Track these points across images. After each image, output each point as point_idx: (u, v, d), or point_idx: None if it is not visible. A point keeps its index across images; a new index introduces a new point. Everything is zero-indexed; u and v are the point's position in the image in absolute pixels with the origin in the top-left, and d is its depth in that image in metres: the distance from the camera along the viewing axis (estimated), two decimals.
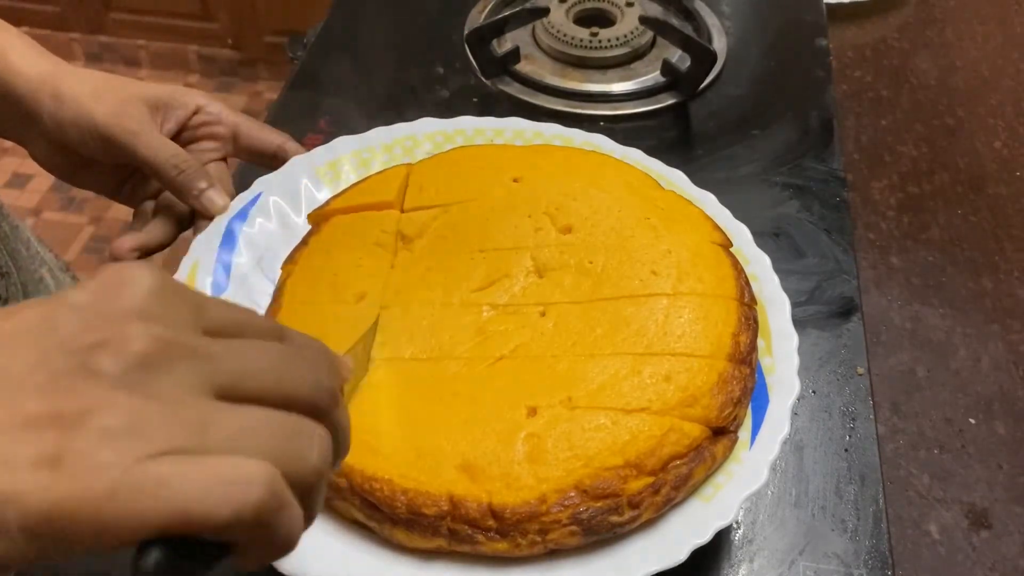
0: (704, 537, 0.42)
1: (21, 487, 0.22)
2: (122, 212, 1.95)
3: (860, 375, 0.59)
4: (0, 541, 0.22)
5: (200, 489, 0.23)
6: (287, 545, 0.26)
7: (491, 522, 0.41)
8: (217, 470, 0.24)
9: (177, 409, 0.24)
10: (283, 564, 0.40)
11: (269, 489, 0.24)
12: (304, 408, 0.27)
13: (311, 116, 0.77)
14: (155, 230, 0.59)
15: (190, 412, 0.25)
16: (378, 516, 0.42)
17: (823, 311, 0.63)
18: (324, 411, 0.28)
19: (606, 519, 0.42)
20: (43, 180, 2.05)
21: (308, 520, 0.27)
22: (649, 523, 0.43)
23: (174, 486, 0.23)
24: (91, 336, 0.24)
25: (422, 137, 0.63)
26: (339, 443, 0.29)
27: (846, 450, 0.55)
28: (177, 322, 0.26)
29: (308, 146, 0.63)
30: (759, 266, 0.54)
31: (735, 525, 0.52)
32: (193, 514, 0.23)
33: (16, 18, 2.30)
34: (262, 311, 0.52)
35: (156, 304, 0.26)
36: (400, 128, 0.63)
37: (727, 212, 0.58)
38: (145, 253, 0.58)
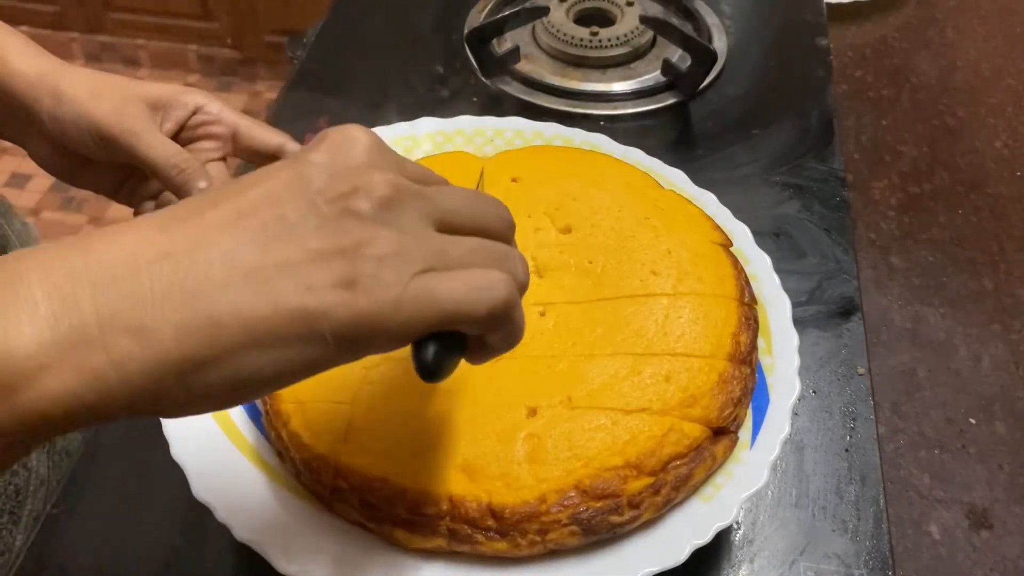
0: (704, 537, 0.42)
1: (329, 304, 0.28)
2: (121, 212, 1.94)
3: (860, 375, 0.59)
4: (318, 348, 0.28)
5: (462, 293, 0.30)
6: (520, 335, 0.33)
7: (491, 522, 0.41)
8: (470, 280, 0.30)
9: (421, 238, 0.30)
10: (284, 565, 0.40)
11: (509, 290, 0.31)
12: (498, 236, 0.33)
13: (311, 116, 0.77)
14: None
15: (431, 240, 0.31)
16: (377, 516, 0.42)
17: (823, 311, 0.63)
18: (511, 239, 0.35)
19: (606, 519, 0.42)
20: (42, 180, 2.05)
21: (521, 332, 0.33)
22: (649, 523, 0.43)
23: (442, 294, 0.29)
24: (343, 185, 0.30)
25: (422, 137, 0.62)
26: (524, 265, 0.35)
27: (847, 450, 0.55)
28: (399, 170, 0.31)
29: None
30: (759, 266, 0.54)
31: (735, 525, 0.51)
32: (459, 313, 0.30)
33: (16, 18, 2.29)
34: None
35: (379, 157, 0.31)
36: (399, 128, 0.63)
37: (727, 212, 0.57)
38: None
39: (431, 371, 0.31)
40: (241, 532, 0.41)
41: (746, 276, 0.52)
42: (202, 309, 0.27)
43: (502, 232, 0.34)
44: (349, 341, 0.29)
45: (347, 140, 0.31)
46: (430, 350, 0.31)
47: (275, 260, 0.28)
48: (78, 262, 0.28)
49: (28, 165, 1.91)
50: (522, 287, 0.33)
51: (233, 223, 0.29)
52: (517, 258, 0.33)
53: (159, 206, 0.60)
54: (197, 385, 0.28)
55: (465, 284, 0.30)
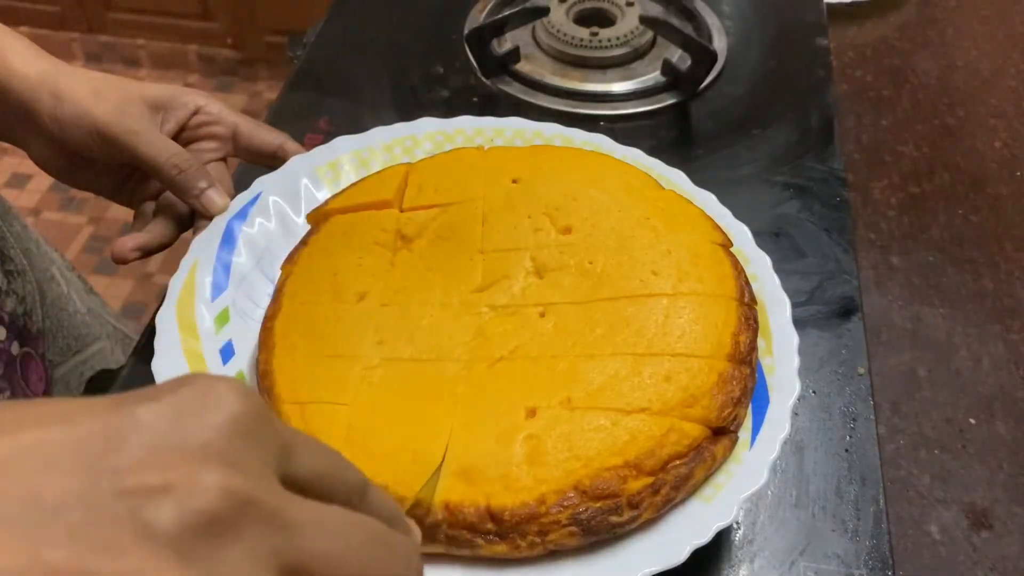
0: (704, 537, 0.42)
1: None
2: (121, 212, 1.94)
3: (861, 375, 0.59)
4: None
5: None
6: None
7: (489, 525, 0.41)
8: None
9: None
10: None
11: None
12: None
13: (311, 116, 0.77)
14: (156, 230, 0.59)
15: None
16: None
17: (823, 311, 0.63)
18: None
19: (606, 519, 0.42)
20: (42, 180, 2.05)
21: None
22: (649, 523, 0.43)
23: None
24: (154, 474, 0.19)
25: (422, 137, 0.62)
26: None
27: (847, 450, 0.55)
28: (259, 468, 0.21)
29: (308, 146, 0.63)
30: (759, 266, 0.54)
31: (735, 525, 0.51)
32: None
33: (16, 18, 2.29)
34: (262, 311, 0.52)
35: (240, 440, 0.21)
36: (400, 128, 0.63)
37: (727, 212, 0.57)
38: (147, 253, 0.58)
39: None
40: None
41: (746, 276, 0.52)
42: None
43: None
44: None
45: (205, 401, 0.21)
46: None
47: None
48: None
49: (28, 165, 1.91)
50: None
51: None
52: None
53: (159, 206, 0.60)
54: None
55: None
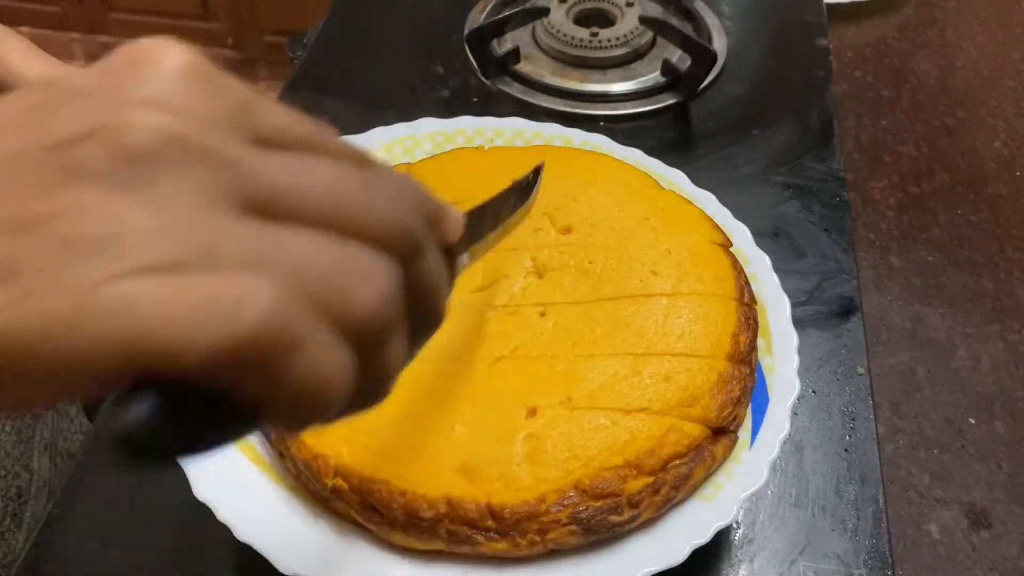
0: (704, 537, 0.42)
1: None
2: None
3: (860, 375, 0.59)
4: None
5: (175, 311, 0.18)
6: (312, 399, 0.20)
7: (490, 522, 0.41)
8: (204, 289, 0.18)
9: (177, 219, 0.19)
10: (284, 565, 0.40)
11: (271, 313, 0.18)
12: (376, 239, 0.21)
13: (311, 116, 0.77)
14: None
15: (196, 224, 0.19)
16: (376, 518, 0.42)
17: (823, 311, 0.63)
18: (402, 254, 0.22)
19: (606, 519, 0.42)
20: None
21: (373, 381, 0.22)
22: (649, 523, 0.43)
23: (143, 308, 0.18)
24: (88, 120, 0.19)
25: (422, 137, 0.63)
26: (423, 304, 0.23)
27: (846, 450, 0.55)
28: (206, 118, 0.20)
29: None
30: (759, 266, 0.54)
31: (735, 525, 0.52)
32: (161, 344, 0.18)
33: (16, 18, 2.29)
34: None
35: (181, 92, 0.20)
36: (400, 128, 0.63)
37: (727, 212, 0.58)
38: None
39: (135, 442, 0.18)
40: (242, 532, 0.42)
41: (746, 276, 0.52)
42: None
43: (382, 238, 0.21)
44: None
45: (142, 57, 0.20)
46: (135, 409, 0.18)
47: None
48: None
49: None
50: (360, 315, 0.20)
51: None
52: (375, 273, 0.21)
53: None
54: None
55: (192, 296, 0.18)
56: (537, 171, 0.45)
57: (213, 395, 0.19)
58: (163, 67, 0.20)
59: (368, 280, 0.21)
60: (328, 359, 0.20)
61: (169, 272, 0.18)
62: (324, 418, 0.21)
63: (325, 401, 0.20)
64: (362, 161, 0.23)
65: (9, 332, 0.17)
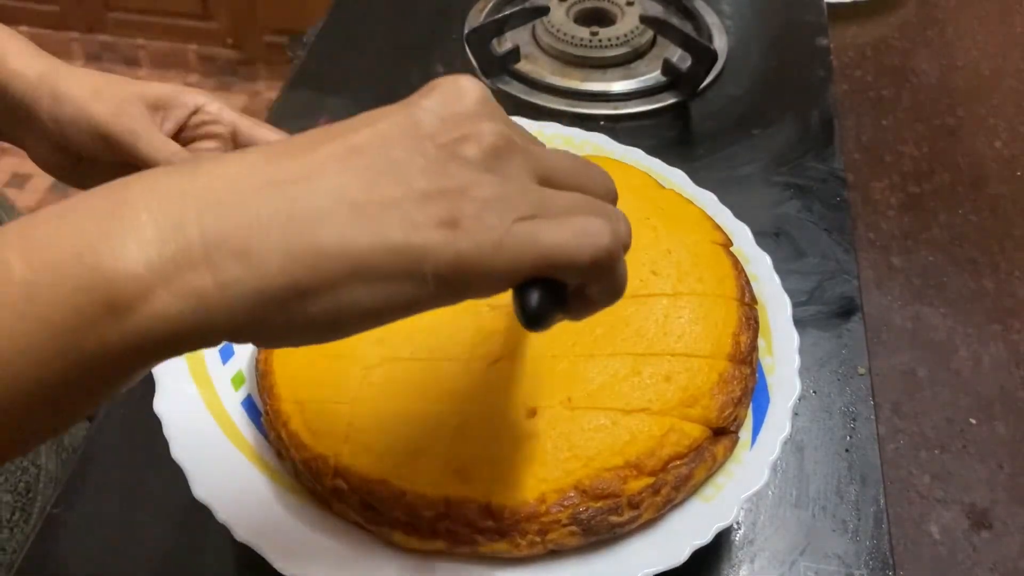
0: (705, 538, 0.42)
1: (432, 243, 0.28)
2: None
3: (861, 375, 0.59)
4: (417, 286, 0.28)
5: (565, 238, 0.30)
6: (622, 289, 0.33)
7: (489, 523, 0.41)
8: (572, 225, 0.30)
9: (525, 187, 0.30)
10: (283, 565, 0.40)
11: (613, 238, 0.31)
12: (599, 198, 0.33)
13: (310, 116, 0.77)
14: None
15: (534, 190, 0.31)
16: (376, 518, 0.42)
17: (824, 311, 0.63)
18: (613, 204, 0.34)
19: (606, 519, 0.42)
20: (42, 180, 2.05)
21: (623, 285, 0.33)
22: (649, 523, 0.43)
23: (545, 238, 0.29)
24: (453, 132, 0.30)
25: None
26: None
27: (847, 450, 0.55)
28: (506, 119, 0.32)
29: None
30: (760, 266, 0.54)
31: (735, 525, 0.51)
32: (561, 257, 0.29)
33: (16, 18, 2.29)
34: None
35: (489, 106, 0.32)
36: None
37: (728, 212, 0.57)
38: None
39: (534, 317, 0.30)
40: (241, 532, 0.41)
41: (746, 276, 0.52)
42: (308, 238, 0.28)
43: (604, 196, 0.34)
44: (448, 281, 0.29)
45: (458, 89, 0.32)
46: (534, 296, 0.30)
47: (381, 197, 0.28)
48: (184, 185, 0.28)
49: (28, 165, 1.91)
50: (625, 244, 0.32)
51: (342, 159, 0.29)
52: (620, 217, 0.33)
53: None
54: (297, 314, 0.28)
55: (568, 230, 0.30)
56: None
57: (561, 285, 0.31)
58: (474, 94, 0.32)
59: (619, 218, 0.33)
60: (624, 265, 0.33)
61: (538, 217, 0.30)
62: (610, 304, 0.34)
63: (622, 291, 0.33)
64: (574, 155, 0.36)
65: (469, 252, 0.28)
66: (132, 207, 0.28)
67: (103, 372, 0.28)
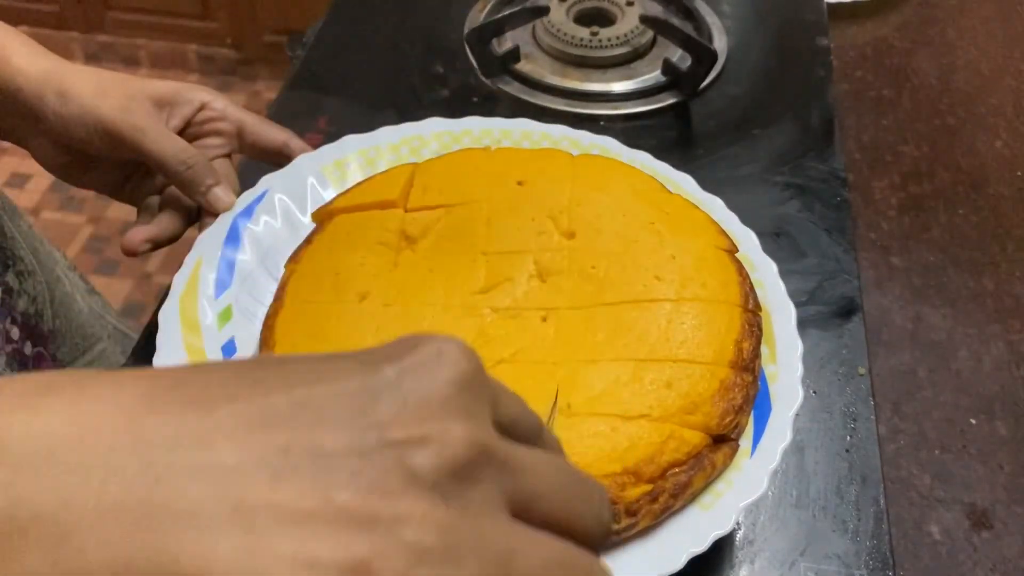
0: (702, 546, 0.42)
1: None
2: (121, 212, 1.94)
3: (861, 375, 0.59)
4: None
5: None
6: None
7: None
8: None
9: (486, 531, 0.21)
10: None
11: None
12: (585, 540, 0.24)
13: (310, 115, 0.77)
14: (164, 223, 0.59)
15: (497, 536, 0.21)
16: None
17: (824, 311, 0.63)
18: (597, 548, 0.25)
19: None
20: (42, 180, 2.05)
21: None
22: (647, 531, 0.43)
23: None
24: (413, 428, 0.21)
25: (429, 137, 0.62)
26: None
27: (847, 450, 0.55)
28: (484, 417, 0.23)
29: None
30: (765, 272, 0.54)
31: (735, 526, 0.51)
32: None
33: (16, 18, 2.29)
34: (265, 309, 0.52)
35: (469, 393, 0.23)
36: (407, 128, 0.63)
37: (734, 217, 0.57)
38: (157, 245, 0.59)
39: None
40: None
41: (751, 282, 0.52)
42: (158, 544, 0.19)
43: (591, 536, 0.25)
44: None
45: (440, 361, 0.23)
46: None
47: (282, 502, 0.20)
48: (9, 426, 0.20)
49: (28, 165, 1.91)
50: None
51: (250, 429, 0.21)
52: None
53: (165, 200, 0.60)
54: None
55: None
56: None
57: None
58: (456, 370, 0.23)
59: None
60: None
61: None
62: None
63: None
64: (571, 470, 0.25)
65: None
66: None
67: None
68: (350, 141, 0.61)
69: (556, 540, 0.23)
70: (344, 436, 0.21)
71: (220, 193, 0.57)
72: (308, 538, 0.19)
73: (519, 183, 0.56)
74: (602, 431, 0.44)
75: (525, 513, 0.23)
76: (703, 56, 0.79)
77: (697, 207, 0.56)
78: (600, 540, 0.25)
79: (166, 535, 0.19)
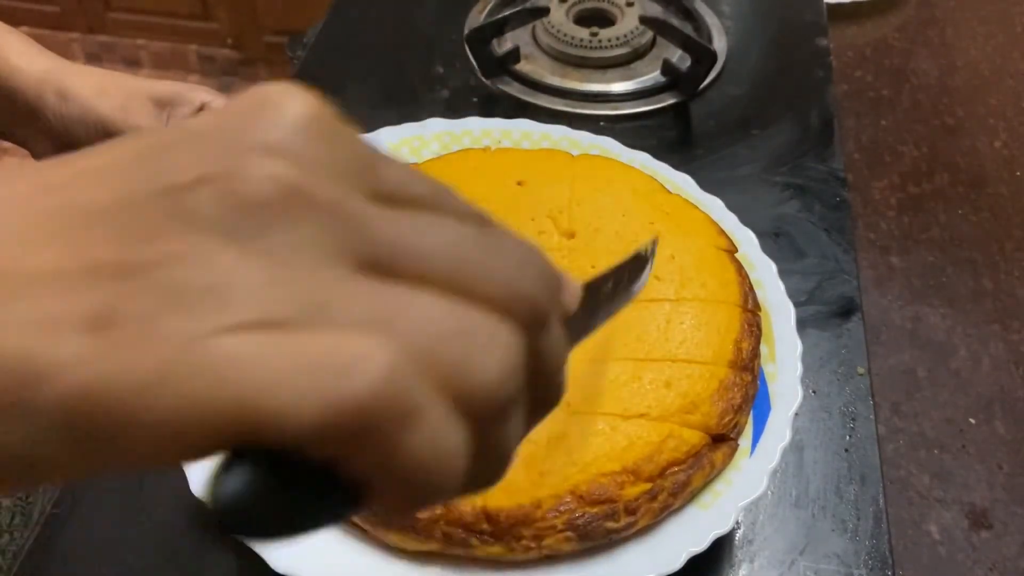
0: (701, 545, 0.42)
1: (61, 356, 0.16)
2: None
3: (860, 375, 0.59)
4: (29, 427, 0.16)
5: (279, 372, 0.16)
6: (425, 478, 0.18)
7: (485, 525, 0.41)
8: (312, 349, 0.17)
9: (289, 273, 0.17)
10: (280, 565, 0.40)
11: (385, 379, 0.17)
12: (497, 306, 0.19)
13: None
14: None
15: (307, 280, 0.17)
16: (372, 519, 0.42)
17: (823, 311, 0.63)
18: (526, 324, 0.20)
19: (602, 525, 0.41)
20: None
21: (488, 462, 0.20)
22: (646, 530, 0.43)
23: (244, 367, 0.16)
24: (206, 166, 0.18)
25: (430, 137, 0.62)
26: (544, 380, 0.22)
27: (846, 450, 0.55)
28: (327, 169, 0.19)
29: None
30: (764, 272, 0.54)
31: (735, 525, 0.51)
32: (262, 408, 0.16)
33: (16, 18, 2.29)
34: None
35: (302, 140, 0.19)
36: (408, 128, 0.63)
37: (734, 217, 0.57)
38: None
39: (228, 514, 0.17)
40: None
41: (750, 282, 0.52)
42: None
43: (505, 305, 0.19)
44: (76, 425, 0.16)
45: (264, 103, 0.19)
46: (231, 480, 0.17)
47: (32, 267, 0.17)
48: None
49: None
50: (480, 387, 0.18)
51: (29, 197, 0.18)
52: (499, 342, 0.19)
53: None
54: None
55: (299, 357, 0.16)
56: (653, 243, 0.43)
57: (316, 469, 0.17)
58: (285, 114, 0.19)
59: (491, 349, 0.19)
60: (445, 434, 0.18)
61: (275, 329, 0.17)
62: (433, 500, 0.19)
63: (439, 482, 0.18)
64: (484, 223, 0.21)
65: (96, 387, 0.16)
66: None
67: None
68: None
69: (419, 293, 0.18)
70: (121, 189, 0.18)
71: None
72: (48, 296, 0.17)
73: (519, 183, 0.57)
74: (601, 430, 0.44)
75: (385, 268, 0.18)
76: (703, 56, 0.79)
77: (697, 207, 0.56)
78: (524, 313, 0.20)
79: None
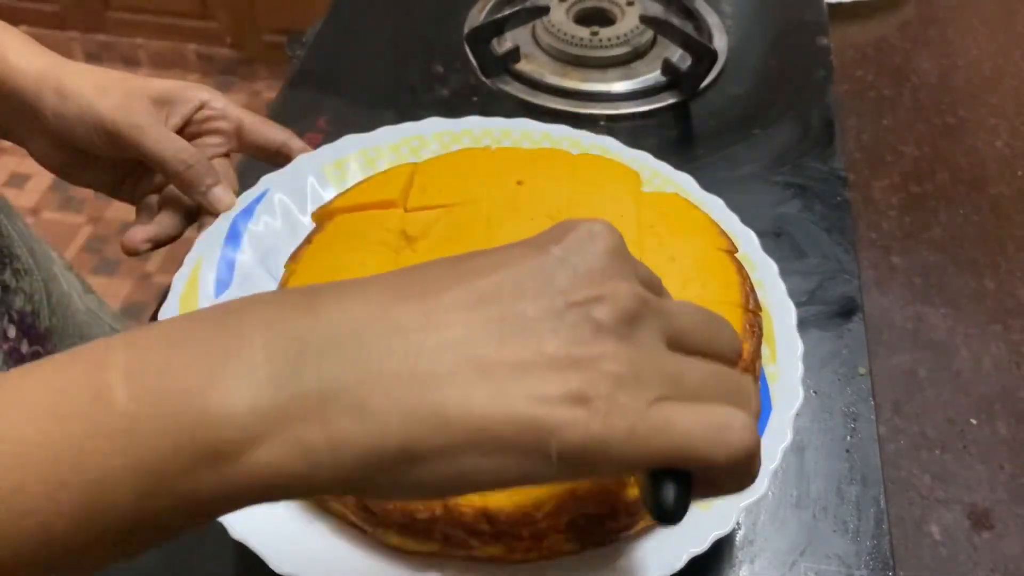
0: (702, 546, 0.42)
1: (560, 421, 0.26)
2: (120, 212, 1.94)
3: (861, 375, 0.59)
4: (538, 463, 0.26)
5: (701, 434, 0.27)
6: (752, 484, 0.29)
7: (485, 526, 0.41)
8: (709, 418, 0.27)
9: (657, 359, 0.28)
10: (280, 566, 0.40)
11: (754, 436, 0.28)
12: (723, 362, 0.31)
13: (310, 115, 0.77)
14: (164, 222, 0.59)
15: (667, 362, 0.28)
16: (372, 519, 0.42)
17: (824, 311, 0.63)
18: (735, 365, 0.32)
19: (602, 526, 0.41)
20: (41, 180, 2.05)
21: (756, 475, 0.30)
22: (647, 531, 0.43)
23: (679, 430, 0.27)
24: (588, 290, 0.28)
25: (429, 136, 0.62)
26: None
27: (847, 451, 0.55)
28: (635, 277, 0.29)
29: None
30: (765, 272, 0.54)
31: (736, 526, 0.51)
32: (696, 455, 0.27)
33: (16, 17, 2.31)
34: None
35: (620, 262, 0.29)
36: (407, 127, 0.62)
37: (735, 217, 0.57)
38: (157, 244, 0.59)
39: (672, 514, 0.28)
40: (237, 531, 0.41)
41: (751, 283, 0.52)
42: (430, 399, 0.26)
43: (733, 359, 0.32)
44: (572, 462, 0.26)
45: (591, 237, 0.29)
46: (670, 491, 0.27)
47: (509, 358, 0.26)
48: (305, 325, 0.27)
49: (27, 165, 1.91)
50: (756, 419, 0.30)
51: (470, 308, 0.27)
52: (751, 391, 0.30)
53: (164, 199, 0.60)
54: (408, 477, 0.26)
55: (703, 423, 0.27)
56: None
57: (682, 475, 0.28)
58: (607, 243, 0.29)
59: (751, 394, 0.30)
60: (760, 457, 0.29)
61: (672, 400, 0.27)
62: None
63: (755, 479, 0.29)
64: (703, 309, 0.32)
65: (599, 436, 0.26)
66: (248, 344, 0.26)
67: (186, 513, 0.26)
68: (350, 141, 0.61)
69: (707, 362, 0.30)
70: (539, 304, 0.27)
71: (220, 193, 0.57)
72: (536, 382, 0.26)
73: (519, 183, 0.56)
74: None
75: (678, 345, 0.29)
76: (703, 56, 0.79)
77: (697, 208, 0.56)
78: (736, 358, 0.32)
79: (434, 393, 0.26)
